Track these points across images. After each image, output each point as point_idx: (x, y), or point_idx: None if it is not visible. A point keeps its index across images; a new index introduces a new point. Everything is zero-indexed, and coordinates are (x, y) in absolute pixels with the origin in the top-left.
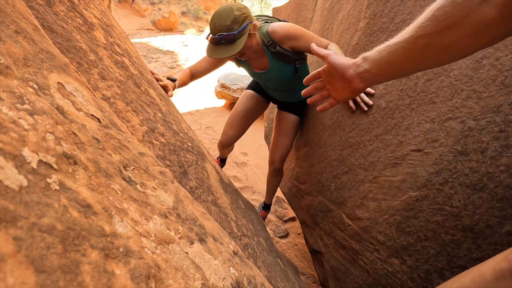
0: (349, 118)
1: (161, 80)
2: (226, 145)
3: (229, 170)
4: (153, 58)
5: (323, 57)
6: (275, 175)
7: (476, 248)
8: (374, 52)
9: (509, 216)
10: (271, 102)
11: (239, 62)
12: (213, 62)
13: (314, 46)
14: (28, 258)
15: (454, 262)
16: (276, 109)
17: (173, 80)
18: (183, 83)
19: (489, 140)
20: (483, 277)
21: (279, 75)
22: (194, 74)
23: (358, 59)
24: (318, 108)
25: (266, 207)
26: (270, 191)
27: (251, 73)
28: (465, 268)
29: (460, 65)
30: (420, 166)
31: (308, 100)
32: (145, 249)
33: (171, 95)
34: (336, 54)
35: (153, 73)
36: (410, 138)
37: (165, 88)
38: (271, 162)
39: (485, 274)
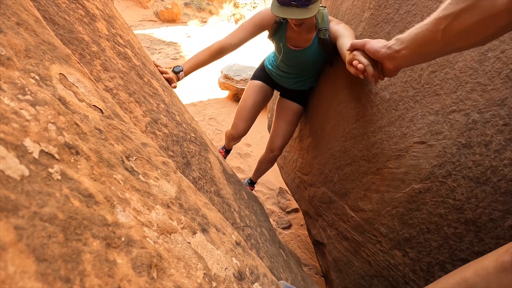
0: (352, 109)
1: (165, 73)
2: (237, 138)
3: (232, 161)
4: (156, 50)
5: (361, 47)
6: (271, 161)
7: (479, 241)
8: (405, 34)
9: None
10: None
11: (275, 34)
12: (249, 31)
13: (352, 42)
14: (29, 247)
15: (456, 255)
16: (278, 97)
17: (178, 72)
18: (199, 66)
19: (493, 133)
20: (485, 269)
21: (310, 58)
22: (227, 48)
23: (392, 40)
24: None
25: (252, 183)
26: (260, 173)
27: (284, 48)
28: (467, 261)
29: (465, 57)
30: (423, 158)
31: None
32: (147, 239)
33: (175, 87)
34: (371, 41)
35: (156, 65)
36: (413, 130)
37: (169, 80)
38: (270, 149)
39: (487, 266)
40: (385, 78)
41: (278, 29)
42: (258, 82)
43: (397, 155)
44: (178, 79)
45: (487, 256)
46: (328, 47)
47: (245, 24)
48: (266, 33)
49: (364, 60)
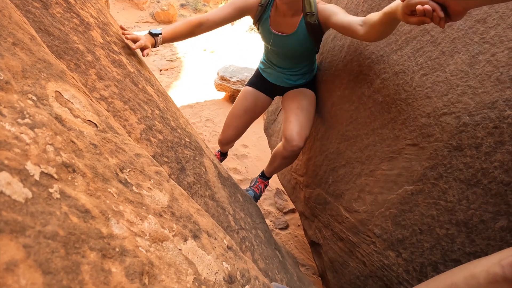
0: (346, 112)
1: (136, 40)
2: (225, 144)
3: (229, 162)
4: (152, 51)
5: None
6: (288, 156)
7: (470, 242)
8: None
9: (502, 212)
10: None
11: (259, 19)
12: (229, 12)
13: None
14: (36, 262)
15: (448, 256)
16: (281, 98)
17: (156, 35)
18: (177, 37)
19: (483, 136)
20: (476, 279)
21: (297, 45)
22: (204, 23)
23: None
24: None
25: (265, 177)
26: (274, 168)
27: (268, 34)
28: (459, 262)
29: (456, 61)
30: (415, 160)
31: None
32: (140, 248)
33: (147, 55)
34: None
35: (122, 29)
36: (406, 132)
37: (142, 48)
38: (286, 140)
39: (478, 276)
40: (378, 80)
41: (262, 13)
42: (250, 89)
43: (390, 157)
44: (156, 43)
45: (477, 264)
46: (317, 32)
47: (227, 5)
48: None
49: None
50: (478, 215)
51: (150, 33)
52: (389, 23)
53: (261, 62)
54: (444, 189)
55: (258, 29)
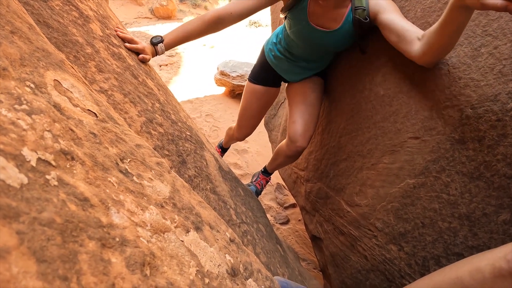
0: (347, 105)
1: (131, 41)
2: (240, 140)
3: (229, 157)
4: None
5: None
6: (292, 155)
7: (473, 236)
8: None
9: (505, 205)
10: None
11: (294, 7)
12: (259, 1)
13: None
14: (30, 249)
15: (450, 250)
16: (287, 84)
17: (156, 44)
18: (186, 39)
19: (486, 129)
20: (481, 273)
21: (338, 42)
22: (226, 19)
23: None
24: None
25: (267, 173)
26: (276, 165)
27: (303, 26)
28: (462, 256)
29: (458, 53)
30: (417, 153)
31: None
32: (141, 238)
33: (144, 60)
34: None
35: (119, 29)
36: (408, 125)
37: (138, 52)
38: (291, 140)
39: (483, 270)
40: (379, 73)
41: (295, 2)
42: (258, 87)
43: (391, 150)
44: (157, 53)
45: (482, 257)
46: (365, 31)
47: None
48: (261, 30)
49: None
50: (480, 208)
51: (150, 42)
52: (455, 22)
53: (274, 56)
54: (446, 182)
55: (285, 17)
